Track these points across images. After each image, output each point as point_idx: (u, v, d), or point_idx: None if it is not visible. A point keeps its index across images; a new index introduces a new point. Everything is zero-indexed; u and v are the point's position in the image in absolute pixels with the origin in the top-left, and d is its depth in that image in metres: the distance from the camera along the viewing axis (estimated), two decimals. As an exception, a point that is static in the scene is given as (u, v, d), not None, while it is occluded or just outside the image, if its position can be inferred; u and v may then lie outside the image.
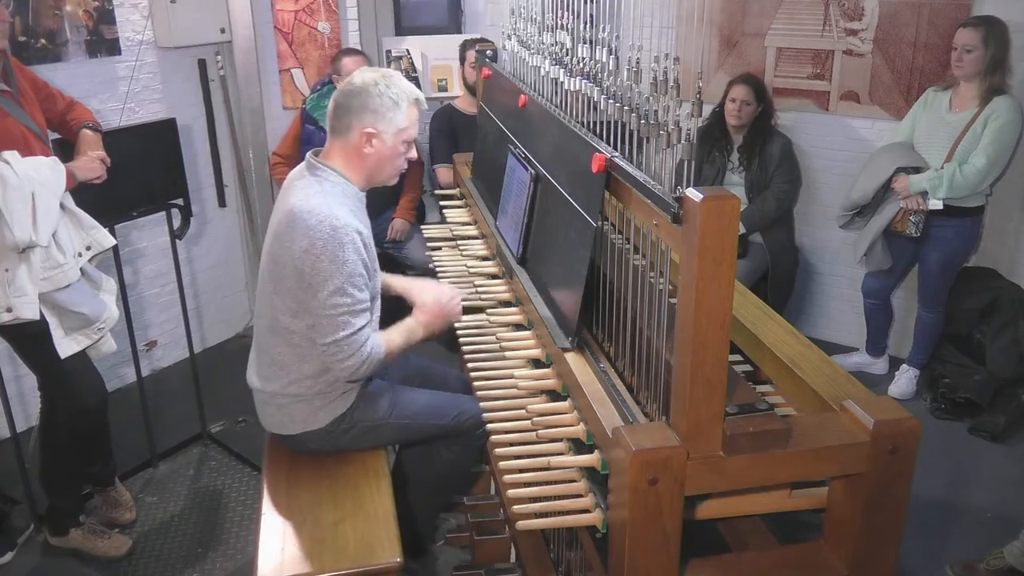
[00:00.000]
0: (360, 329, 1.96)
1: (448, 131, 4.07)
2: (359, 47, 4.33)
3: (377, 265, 2.11)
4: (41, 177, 2.32)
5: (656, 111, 1.53)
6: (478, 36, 4.25)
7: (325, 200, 1.94)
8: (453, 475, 2.34)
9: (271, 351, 2.06)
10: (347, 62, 3.68)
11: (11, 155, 2.28)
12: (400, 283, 2.34)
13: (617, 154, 1.71)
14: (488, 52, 3.06)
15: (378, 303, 2.14)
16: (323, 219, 1.90)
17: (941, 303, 3.55)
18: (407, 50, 4.49)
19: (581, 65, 1.98)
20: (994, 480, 3.09)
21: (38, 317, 2.35)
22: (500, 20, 3.65)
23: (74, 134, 2.60)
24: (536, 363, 1.95)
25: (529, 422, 1.71)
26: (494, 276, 2.42)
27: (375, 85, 1.96)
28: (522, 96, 2.46)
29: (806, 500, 1.59)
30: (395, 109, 1.98)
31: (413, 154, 2.09)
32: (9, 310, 2.30)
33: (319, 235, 1.89)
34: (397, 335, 2.10)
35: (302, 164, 2.07)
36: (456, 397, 2.28)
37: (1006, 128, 3.19)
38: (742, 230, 3.64)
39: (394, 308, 2.26)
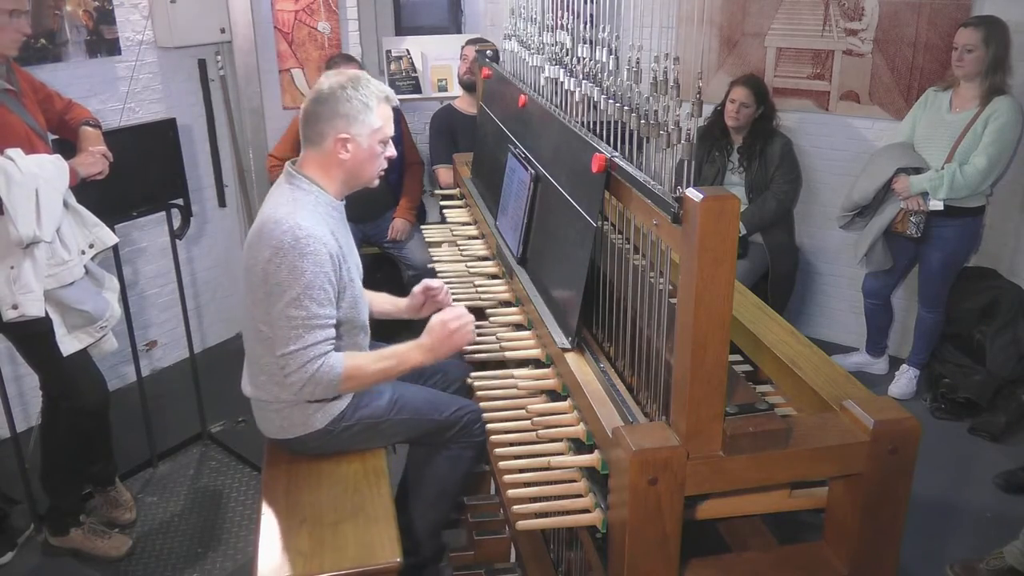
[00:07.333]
0: (311, 345, 1.90)
1: (448, 131, 4.07)
2: (359, 47, 4.33)
3: (355, 287, 2.05)
4: (45, 173, 2.32)
5: (656, 111, 1.53)
6: (477, 36, 4.25)
7: (293, 209, 1.92)
8: (454, 475, 2.31)
9: (259, 360, 2.04)
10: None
11: (15, 152, 2.29)
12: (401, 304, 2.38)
13: (617, 154, 1.71)
14: (488, 52, 3.06)
15: (356, 328, 2.09)
16: (287, 228, 1.88)
17: (941, 303, 3.55)
18: (407, 50, 4.49)
19: (581, 65, 1.98)
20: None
21: (44, 314, 2.36)
22: (500, 20, 3.65)
23: (74, 133, 2.61)
24: (536, 363, 1.95)
25: (529, 422, 1.71)
26: (494, 276, 2.42)
27: (343, 90, 1.93)
28: (522, 96, 2.46)
29: (806, 500, 1.59)
30: (367, 111, 1.95)
31: (392, 152, 2.05)
32: (15, 307, 2.30)
33: (282, 244, 1.87)
34: (375, 359, 2.02)
35: (283, 174, 2.04)
36: (456, 396, 2.28)
37: (1006, 128, 3.19)
38: (742, 231, 3.64)
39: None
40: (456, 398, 2.26)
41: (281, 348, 1.92)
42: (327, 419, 2.07)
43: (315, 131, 1.97)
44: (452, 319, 2.03)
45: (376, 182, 2.09)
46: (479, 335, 2.08)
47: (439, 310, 2.30)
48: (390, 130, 2.02)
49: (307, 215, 1.92)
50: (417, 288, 2.33)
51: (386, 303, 2.42)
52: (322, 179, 2.00)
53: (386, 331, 2.59)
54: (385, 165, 2.07)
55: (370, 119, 1.96)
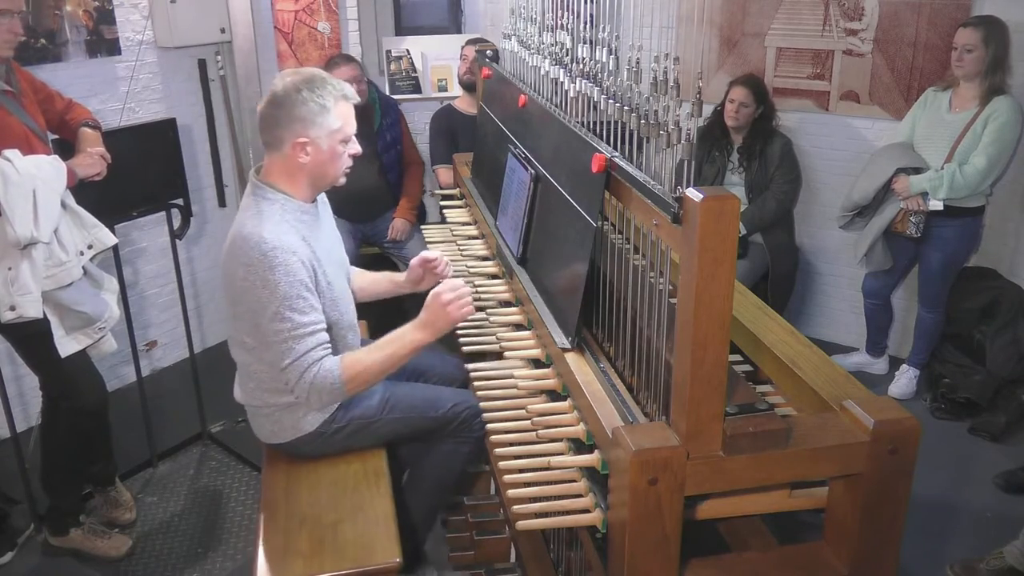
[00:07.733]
0: (303, 354, 1.90)
1: (448, 131, 4.07)
2: (359, 47, 4.33)
3: (334, 289, 2.01)
4: (42, 174, 2.32)
5: (656, 111, 1.53)
6: (477, 36, 4.25)
7: (259, 222, 1.89)
8: (451, 469, 2.29)
9: (247, 368, 2.05)
10: (340, 72, 3.54)
11: (12, 153, 2.29)
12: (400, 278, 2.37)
13: (617, 154, 1.71)
14: (488, 52, 3.06)
15: (343, 328, 2.07)
16: (253, 245, 1.86)
17: (941, 303, 3.55)
18: (407, 50, 4.49)
19: (581, 65, 1.98)
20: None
21: (42, 315, 2.36)
22: (500, 20, 3.65)
23: (74, 133, 2.60)
24: (536, 363, 1.95)
25: (529, 422, 1.71)
26: (494, 276, 2.42)
27: (298, 92, 1.87)
28: (522, 96, 2.46)
29: (806, 500, 1.59)
30: (324, 112, 1.89)
31: (356, 149, 2.01)
32: (13, 308, 2.30)
33: (251, 260, 1.86)
34: (374, 350, 2.00)
35: (248, 185, 2.01)
36: (452, 390, 2.27)
37: (1006, 128, 3.19)
38: (742, 231, 3.63)
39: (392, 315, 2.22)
40: (453, 392, 2.24)
41: (278, 364, 1.92)
42: (317, 422, 2.06)
43: (273, 136, 1.93)
44: (446, 291, 1.99)
45: (342, 180, 2.04)
46: (478, 335, 2.09)
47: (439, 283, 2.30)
48: (351, 129, 1.98)
49: (272, 227, 1.89)
50: (414, 261, 2.30)
51: (383, 281, 2.41)
52: (287, 184, 1.96)
53: (385, 330, 2.58)
54: (350, 163, 2.02)
55: (328, 120, 1.91)
